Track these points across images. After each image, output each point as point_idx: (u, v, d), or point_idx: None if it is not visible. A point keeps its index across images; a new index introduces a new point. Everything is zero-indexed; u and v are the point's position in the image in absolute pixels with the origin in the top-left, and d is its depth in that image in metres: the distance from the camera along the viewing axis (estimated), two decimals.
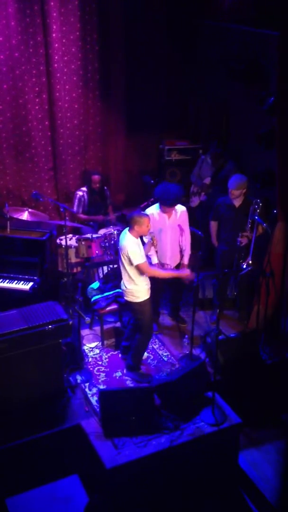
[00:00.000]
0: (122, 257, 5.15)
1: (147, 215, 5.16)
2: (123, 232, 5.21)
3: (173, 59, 7.57)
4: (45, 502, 4.59)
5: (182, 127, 7.96)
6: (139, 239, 5.19)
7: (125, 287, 5.27)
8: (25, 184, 7.22)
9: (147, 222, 5.10)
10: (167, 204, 5.61)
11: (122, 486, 4.59)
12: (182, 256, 6.01)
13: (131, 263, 5.09)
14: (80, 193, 7.06)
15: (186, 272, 5.59)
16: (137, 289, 5.22)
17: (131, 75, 7.33)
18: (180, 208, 5.83)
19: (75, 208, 7.00)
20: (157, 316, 6.39)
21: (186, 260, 6.02)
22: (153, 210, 5.80)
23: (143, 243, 5.40)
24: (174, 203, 5.63)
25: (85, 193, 7.04)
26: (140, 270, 5.13)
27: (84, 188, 7.09)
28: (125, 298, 5.37)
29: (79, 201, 7.06)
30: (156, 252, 5.79)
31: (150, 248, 5.47)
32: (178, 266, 6.06)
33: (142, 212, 5.22)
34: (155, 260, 5.85)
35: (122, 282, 5.33)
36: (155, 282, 5.98)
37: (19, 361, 4.69)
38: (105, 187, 7.23)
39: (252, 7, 6.52)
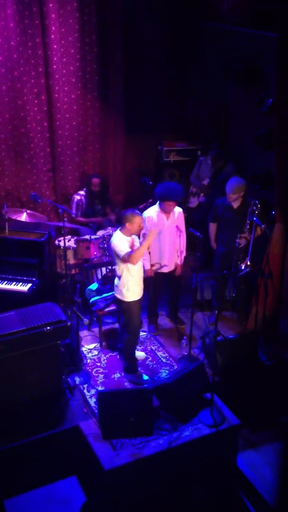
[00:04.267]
0: (113, 255, 5.19)
1: (139, 214, 5.14)
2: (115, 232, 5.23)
3: (172, 60, 7.57)
4: (43, 504, 4.59)
5: (181, 128, 7.96)
6: (131, 238, 5.19)
7: (117, 284, 5.28)
8: (23, 185, 7.21)
9: (139, 221, 5.08)
10: (172, 199, 5.58)
11: (120, 488, 4.58)
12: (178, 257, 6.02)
13: (119, 258, 5.09)
14: (77, 197, 7.06)
15: (151, 232, 5.19)
16: (127, 288, 5.22)
17: (130, 76, 7.33)
18: (177, 209, 5.85)
19: (73, 212, 6.99)
20: (155, 317, 6.39)
21: (180, 261, 6.01)
22: (152, 212, 5.80)
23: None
24: (179, 197, 5.62)
25: (82, 197, 7.04)
26: (128, 261, 5.04)
27: (82, 192, 7.09)
28: (115, 294, 5.37)
29: (77, 205, 7.05)
30: (149, 253, 5.77)
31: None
32: (175, 268, 6.06)
33: (136, 211, 5.19)
34: (147, 265, 5.84)
35: (115, 279, 5.34)
36: (153, 283, 5.99)
37: (17, 363, 4.68)
38: (104, 188, 7.21)
39: (251, 9, 6.52)
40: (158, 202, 5.79)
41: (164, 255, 5.89)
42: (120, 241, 5.10)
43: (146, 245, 5.22)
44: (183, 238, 5.94)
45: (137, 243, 5.28)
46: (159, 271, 5.95)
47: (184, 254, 6.01)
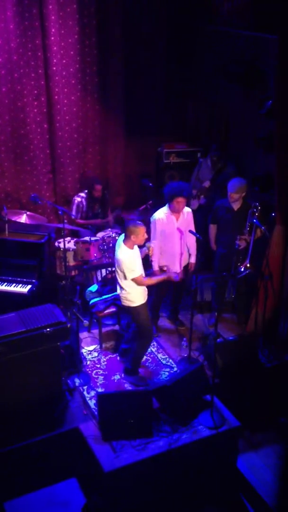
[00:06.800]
0: (116, 268, 5.17)
1: (142, 224, 5.13)
2: (117, 242, 5.20)
3: (172, 62, 7.58)
4: (44, 506, 4.59)
5: (181, 130, 7.96)
6: (135, 249, 5.19)
7: (121, 292, 5.27)
8: (23, 187, 7.21)
9: (143, 232, 5.08)
10: (180, 195, 5.59)
11: (120, 490, 4.58)
12: (190, 255, 6.03)
13: (125, 277, 5.10)
14: (78, 199, 7.05)
15: (171, 274, 5.53)
16: (132, 294, 5.22)
17: (129, 78, 7.33)
18: (186, 209, 5.86)
19: (73, 213, 6.99)
20: (156, 319, 6.39)
21: (193, 260, 6.03)
22: (161, 214, 5.80)
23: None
24: (188, 194, 5.68)
25: (83, 199, 7.03)
26: (135, 283, 5.13)
27: (82, 194, 7.07)
28: (121, 302, 5.38)
29: (77, 207, 7.05)
30: (151, 261, 5.78)
31: (144, 255, 5.44)
32: (187, 267, 6.06)
33: (138, 222, 5.19)
34: (155, 266, 5.85)
35: (117, 287, 5.33)
36: (160, 285, 5.98)
37: (17, 364, 4.68)
38: (105, 192, 7.22)
39: (251, 11, 6.54)
40: (167, 204, 5.79)
41: (175, 255, 5.87)
42: (130, 260, 5.07)
43: (160, 280, 5.39)
44: (193, 237, 5.93)
45: (138, 253, 5.27)
46: (171, 269, 5.93)
47: (195, 252, 5.99)
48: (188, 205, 7.26)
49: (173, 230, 5.80)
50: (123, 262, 5.07)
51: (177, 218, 5.80)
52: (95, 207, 7.09)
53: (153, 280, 5.37)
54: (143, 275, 5.25)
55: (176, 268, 5.93)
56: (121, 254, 5.10)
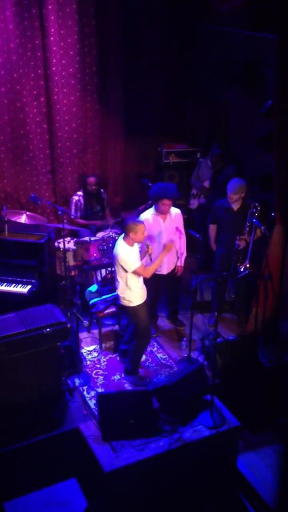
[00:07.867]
0: (115, 264, 5.17)
1: (142, 222, 5.14)
2: (118, 240, 5.21)
3: (172, 62, 7.58)
4: (43, 506, 4.59)
5: (181, 130, 7.96)
6: (135, 246, 5.19)
7: (119, 292, 5.27)
8: (23, 187, 7.21)
9: (142, 229, 5.08)
10: (164, 196, 5.54)
11: (120, 490, 4.57)
12: (178, 258, 6.00)
13: (125, 271, 5.09)
14: (76, 197, 7.08)
15: (168, 244, 5.43)
16: (131, 294, 5.22)
17: (129, 78, 7.33)
18: (174, 211, 5.84)
19: (72, 213, 7.00)
20: (155, 319, 6.39)
21: (181, 262, 6.00)
22: (147, 214, 5.80)
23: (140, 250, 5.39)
24: (173, 195, 5.59)
25: (80, 197, 7.06)
26: (137, 274, 5.13)
27: (80, 193, 7.11)
28: (120, 302, 5.38)
29: (75, 206, 7.07)
30: (151, 259, 5.78)
31: (144, 256, 5.43)
32: (174, 269, 6.04)
33: (138, 219, 5.18)
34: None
35: (116, 287, 5.33)
36: (153, 285, 5.98)
37: (17, 365, 4.68)
38: (102, 190, 7.23)
39: (250, 11, 6.54)
40: (153, 205, 5.78)
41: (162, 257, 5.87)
42: (127, 254, 5.07)
43: (160, 260, 5.32)
44: (183, 239, 5.93)
45: (137, 251, 5.27)
46: (158, 272, 5.93)
47: (184, 255, 6.00)
48: (188, 205, 7.32)
49: (160, 231, 5.78)
50: (120, 256, 5.07)
51: (163, 219, 5.78)
52: (93, 204, 7.10)
53: (155, 265, 5.30)
54: (143, 264, 5.22)
55: (162, 270, 5.92)
56: (118, 249, 5.11)
